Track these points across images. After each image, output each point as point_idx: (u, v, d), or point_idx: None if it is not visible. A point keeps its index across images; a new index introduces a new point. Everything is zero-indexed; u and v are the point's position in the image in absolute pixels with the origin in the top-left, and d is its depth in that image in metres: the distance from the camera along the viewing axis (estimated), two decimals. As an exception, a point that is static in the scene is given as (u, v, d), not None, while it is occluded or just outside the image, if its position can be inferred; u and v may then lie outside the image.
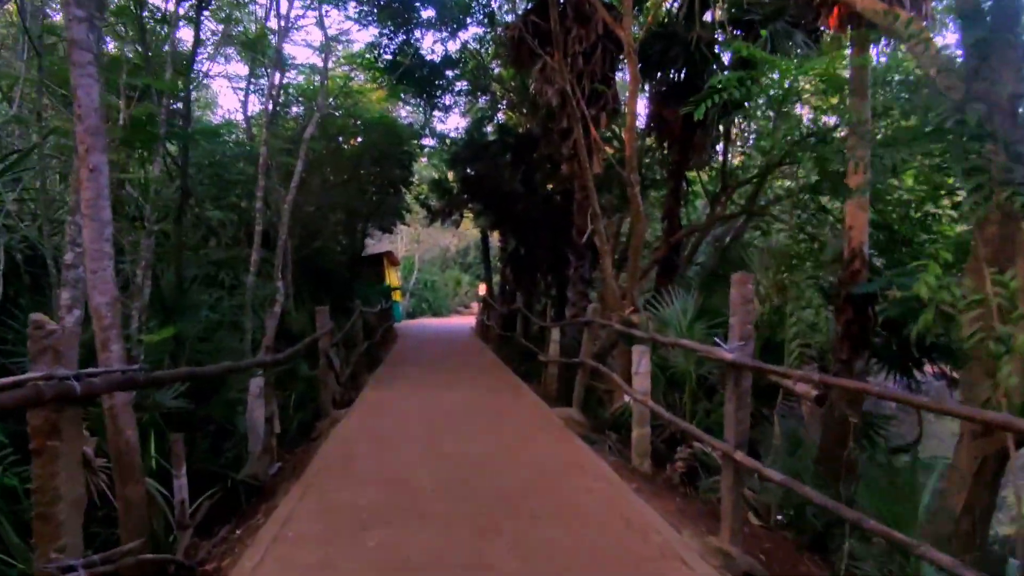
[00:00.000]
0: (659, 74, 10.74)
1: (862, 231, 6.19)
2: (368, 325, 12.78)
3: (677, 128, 10.38)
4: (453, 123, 27.66)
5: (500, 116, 16.40)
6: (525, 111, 14.14)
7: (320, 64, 13.04)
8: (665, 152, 12.04)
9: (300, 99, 13.20)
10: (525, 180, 15.14)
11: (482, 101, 16.50)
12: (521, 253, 16.90)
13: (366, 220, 15.52)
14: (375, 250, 23.69)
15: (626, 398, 6.41)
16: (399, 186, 14.95)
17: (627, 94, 12.30)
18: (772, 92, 12.11)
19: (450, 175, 21.87)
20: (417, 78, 13.13)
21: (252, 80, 10.68)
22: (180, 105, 7.16)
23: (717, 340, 3.70)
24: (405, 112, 15.77)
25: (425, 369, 10.85)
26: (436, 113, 15.68)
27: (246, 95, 11.79)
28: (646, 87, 11.43)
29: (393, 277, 24.11)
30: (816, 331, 5.59)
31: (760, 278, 7.45)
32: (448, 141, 16.47)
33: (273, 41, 9.29)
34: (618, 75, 11.94)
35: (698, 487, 5.25)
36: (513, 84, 15.01)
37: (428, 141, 17.18)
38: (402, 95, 14.76)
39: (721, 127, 11.24)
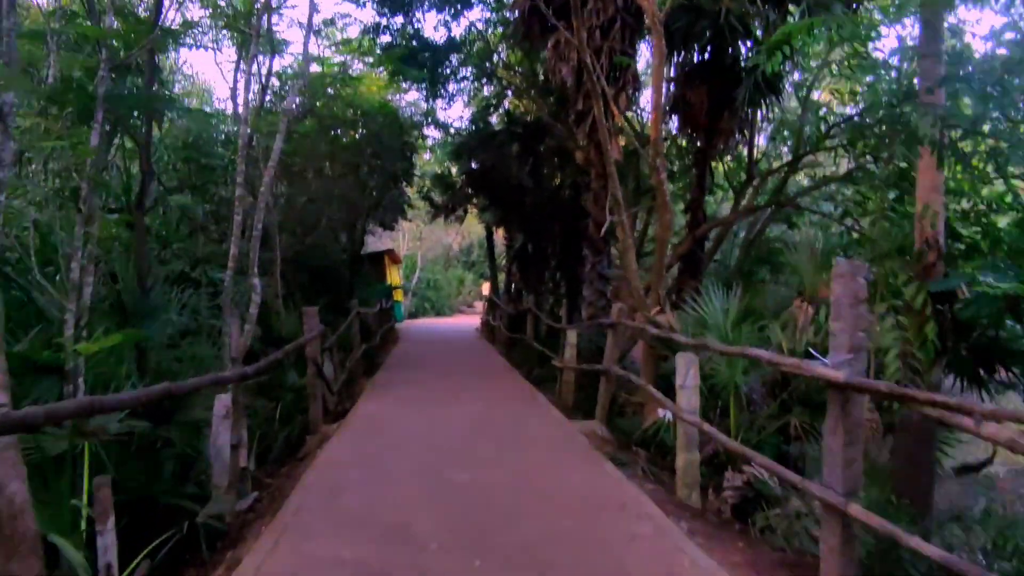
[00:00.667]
0: (683, 53, 9.83)
1: (937, 217, 5.30)
2: (366, 326, 11.92)
3: (702, 112, 9.48)
4: (457, 112, 26.56)
5: (507, 105, 15.51)
6: (534, 96, 13.24)
7: (315, 51, 12.20)
8: (688, 139, 11.13)
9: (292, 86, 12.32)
10: (533, 172, 14.27)
11: (487, 90, 15.62)
12: (528, 250, 16.03)
13: (366, 216, 14.64)
14: (376, 248, 22.84)
15: (660, 413, 5.54)
16: (401, 180, 14.04)
17: (650, 72, 11.41)
18: (809, 67, 11.17)
19: (453, 169, 21.05)
20: (419, 62, 12.25)
21: (242, 61, 9.81)
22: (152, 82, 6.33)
23: (813, 352, 2.81)
24: (407, 102, 14.92)
25: (428, 374, 9.98)
26: (439, 102, 14.80)
27: (234, 79, 10.92)
28: (669, 66, 10.50)
29: (395, 276, 23.26)
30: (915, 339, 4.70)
31: (804, 275, 6.60)
32: (452, 132, 15.58)
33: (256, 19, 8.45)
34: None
35: (753, 521, 4.39)
36: (520, 69, 14.13)
37: (432, 132, 16.29)
38: (403, 82, 13.86)
39: (747, 112, 10.36)
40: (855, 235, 9.18)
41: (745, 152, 12.63)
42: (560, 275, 14.71)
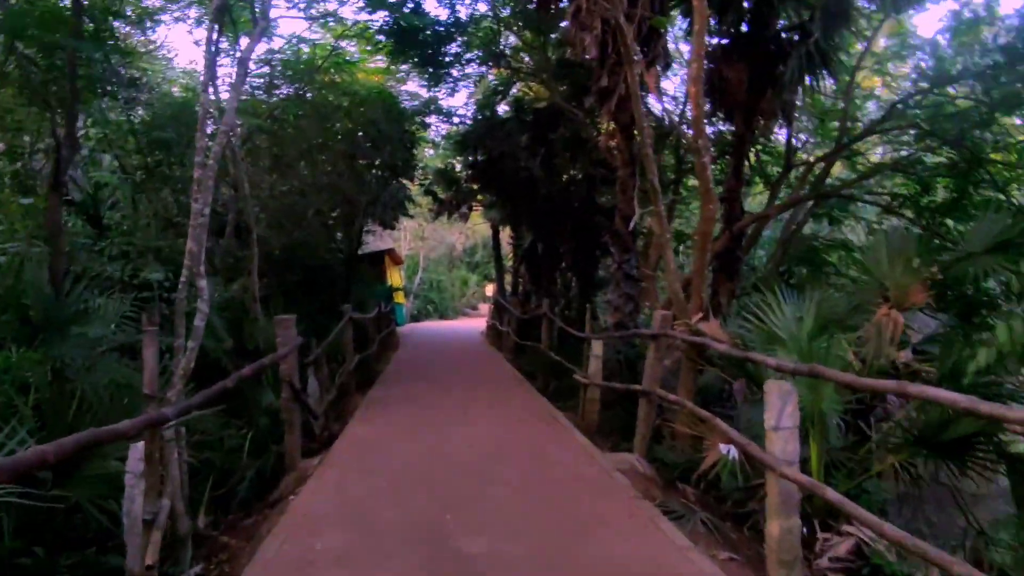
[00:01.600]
0: (719, 24, 8.72)
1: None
2: (363, 332, 10.81)
3: (741, 90, 8.34)
4: (460, 101, 25.43)
5: (516, 90, 14.38)
6: (546, 79, 12.11)
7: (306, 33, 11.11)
8: (724, 122, 10.00)
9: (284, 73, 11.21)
10: (545, 163, 13.15)
11: (494, 77, 14.48)
12: (538, 249, 14.91)
13: (364, 211, 13.53)
14: (376, 247, 21.73)
15: (724, 449, 4.40)
16: (401, 172, 12.89)
17: (679, 47, 10.29)
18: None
19: (457, 165, 19.94)
20: (420, 42, 11.14)
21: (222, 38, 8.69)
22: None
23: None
24: (407, 93, 13.76)
25: (431, 387, 8.85)
26: (442, 91, 13.65)
27: (210, 56, 9.73)
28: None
29: (396, 277, 22.16)
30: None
31: (885, 277, 5.45)
32: (456, 122, 14.43)
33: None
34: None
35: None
36: (530, 55, 13.01)
37: (435, 125, 15.13)
38: (402, 68, 12.75)
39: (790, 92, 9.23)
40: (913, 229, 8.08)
41: (777, 141, 11.55)
42: (573, 276, 13.59)
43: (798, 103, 9.82)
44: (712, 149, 12.09)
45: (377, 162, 12.15)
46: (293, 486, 4.66)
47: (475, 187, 19.23)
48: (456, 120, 13.53)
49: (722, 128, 10.92)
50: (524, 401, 7.87)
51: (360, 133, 12.11)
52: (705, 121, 10.50)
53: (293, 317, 5.20)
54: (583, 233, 13.68)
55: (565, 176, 14.31)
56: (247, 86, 9.76)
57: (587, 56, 8.07)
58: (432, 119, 14.12)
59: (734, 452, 4.29)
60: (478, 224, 25.02)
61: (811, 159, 11.17)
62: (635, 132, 8.12)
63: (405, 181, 13.68)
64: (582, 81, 10.49)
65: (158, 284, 5.57)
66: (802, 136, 11.99)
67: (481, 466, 4.91)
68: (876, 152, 13.19)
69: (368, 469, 4.86)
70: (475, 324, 23.61)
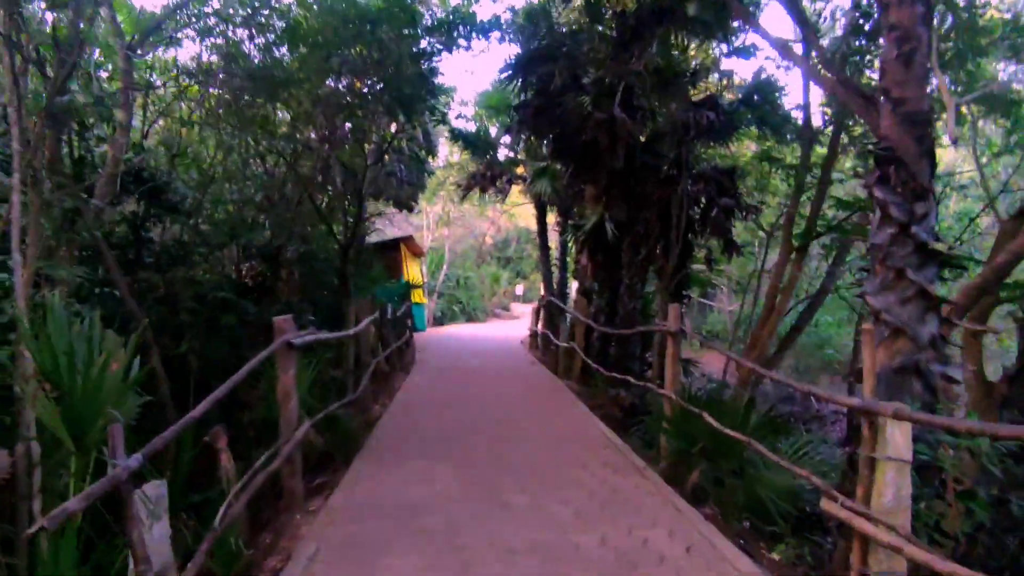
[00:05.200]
0: None
1: None
2: (356, 364, 6.71)
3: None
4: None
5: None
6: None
7: None
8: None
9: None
10: (627, 100, 8.86)
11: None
12: (608, 232, 10.44)
13: (365, 176, 9.40)
14: (390, 236, 17.69)
15: None
16: (410, 109, 8.50)
17: None
18: None
19: (492, 131, 15.76)
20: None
21: None
22: None
23: None
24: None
25: (462, 457, 4.72)
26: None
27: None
28: None
29: (414, 271, 18.05)
30: None
31: None
32: (498, 37, 10.05)
33: None
34: None
35: None
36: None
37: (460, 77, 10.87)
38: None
39: None
40: None
41: None
42: (671, 266, 9.28)
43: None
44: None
45: (378, 88, 7.91)
46: None
47: (517, 158, 15.07)
48: (497, 36, 9.14)
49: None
50: (645, 509, 3.61)
51: (360, 62, 7.88)
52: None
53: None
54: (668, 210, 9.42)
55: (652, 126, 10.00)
56: None
57: None
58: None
59: None
60: (516, 205, 20.76)
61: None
62: None
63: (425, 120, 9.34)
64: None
65: None
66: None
67: None
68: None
69: None
70: (510, 329, 19.35)
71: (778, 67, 12.50)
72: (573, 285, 15.18)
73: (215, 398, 2.87)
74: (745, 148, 13.56)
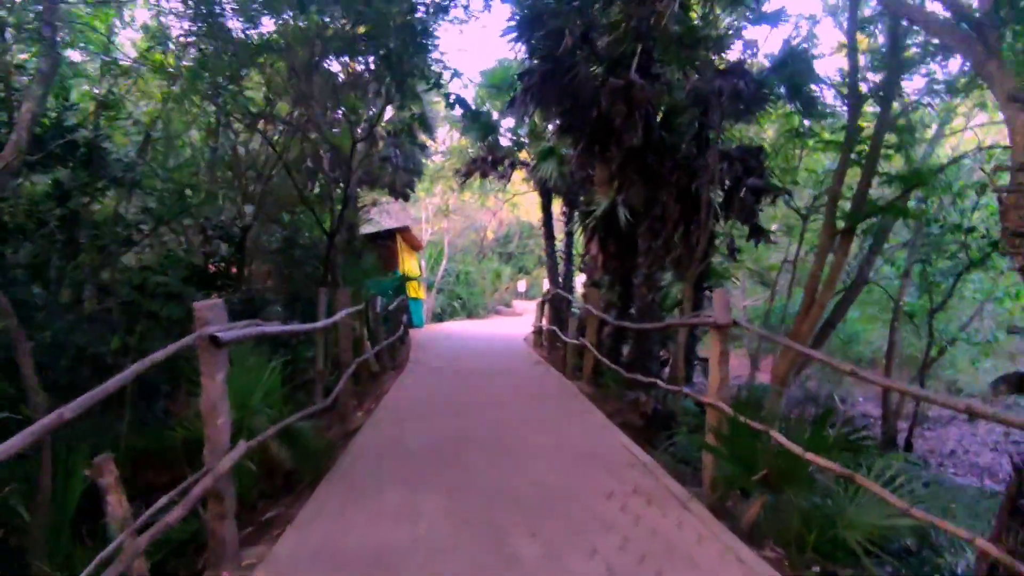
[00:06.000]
0: None
1: None
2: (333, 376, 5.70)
3: None
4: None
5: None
6: None
7: None
8: None
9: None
10: (645, 66, 7.83)
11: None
12: (619, 217, 9.37)
13: (353, 152, 8.37)
14: (385, 226, 16.66)
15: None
16: (400, 70, 7.37)
17: None
18: None
19: (494, 114, 14.70)
20: None
21: None
22: None
23: None
24: None
25: (455, 482, 3.74)
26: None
27: None
28: None
29: (411, 264, 17.01)
30: None
31: None
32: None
33: None
34: None
35: None
36: None
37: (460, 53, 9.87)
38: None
39: None
40: None
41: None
42: (701, 250, 8.25)
43: None
44: None
45: (361, 45, 6.87)
46: None
47: (520, 140, 14.05)
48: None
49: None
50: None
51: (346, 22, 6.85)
52: None
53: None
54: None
55: (668, 100, 8.96)
56: None
57: None
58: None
59: None
60: (519, 194, 19.69)
61: None
62: None
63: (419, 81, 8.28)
64: None
65: None
66: None
67: None
68: None
69: None
70: (512, 326, 18.30)
71: (804, 39, 11.39)
72: (579, 279, 14.17)
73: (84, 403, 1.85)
74: (766, 131, 12.53)
